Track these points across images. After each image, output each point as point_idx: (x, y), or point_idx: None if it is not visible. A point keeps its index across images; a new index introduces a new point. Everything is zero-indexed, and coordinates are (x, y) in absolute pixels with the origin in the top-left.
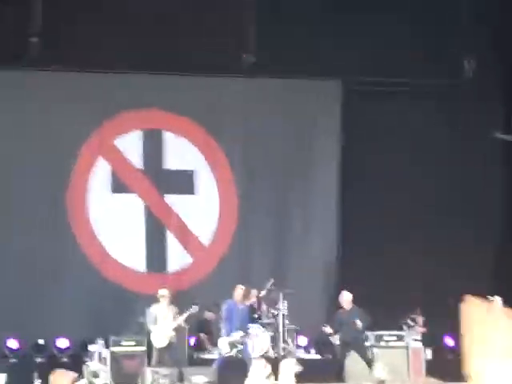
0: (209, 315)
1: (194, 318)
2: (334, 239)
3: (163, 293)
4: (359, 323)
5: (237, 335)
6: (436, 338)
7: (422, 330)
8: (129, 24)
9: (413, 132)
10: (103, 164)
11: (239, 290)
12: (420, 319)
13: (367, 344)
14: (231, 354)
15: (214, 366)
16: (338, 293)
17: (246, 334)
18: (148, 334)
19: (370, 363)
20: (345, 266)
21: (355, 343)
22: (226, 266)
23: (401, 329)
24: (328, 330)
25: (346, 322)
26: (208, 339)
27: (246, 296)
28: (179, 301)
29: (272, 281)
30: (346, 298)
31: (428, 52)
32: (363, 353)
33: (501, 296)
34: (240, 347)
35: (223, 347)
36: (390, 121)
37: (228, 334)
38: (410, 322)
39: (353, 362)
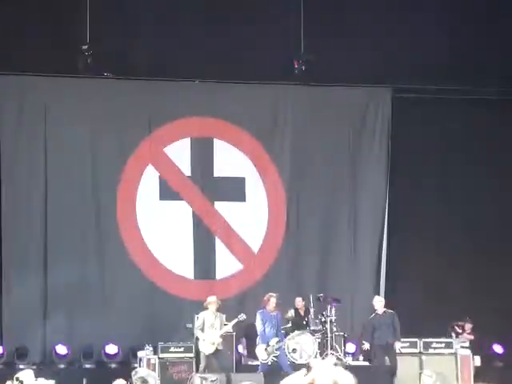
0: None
1: (242, 325)
2: (381, 242)
3: (211, 300)
4: (399, 346)
5: (272, 342)
6: (484, 346)
7: (470, 337)
8: (181, 34)
9: (464, 138)
10: (152, 171)
11: (268, 297)
12: (468, 326)
13: (415, 351)
14: (267, 361)
15: (259, 372)
16: (386, 297)
17: (281, 340)
18: (196, 340)
19: (394, 370)
20: (392, 269)
21: (387, 348)
22: (275, 273)
23: (449, 336)
24: (366, 346)
25: (379, 326)
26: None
27: (273, 302)
28: (227, 308)
29: (321, 295)
30: (378, 302)
31: (477, 60)
32: (393, 359)
33: None
34: (277, 353)
35: (261, 355)
36: (438, 127)
37: (264, 342)
38: (457, 329)
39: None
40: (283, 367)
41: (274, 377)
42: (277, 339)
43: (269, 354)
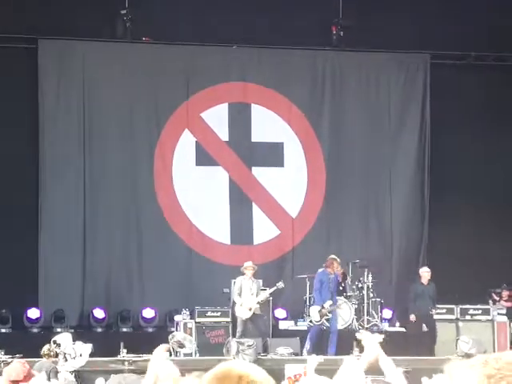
0: None
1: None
2: (418, 209)
3: (248, 265)
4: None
5: (327, 304)
6: None
7: (507, 304)
8: (219, 0)
9: (499, 105)
10: (189, 136)
11: (331, 260)
12: (505, 293)
13: (452, 317)
14: (320, 323)
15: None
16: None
17: (334, 304)
18: (233, 305)
19: (434, 338)
20: (429, 238)
21: (427, 316)
22: (313, 238)
23: (486, 303)
24: (412, 318)
25: (421, 295)
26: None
27: (336, 266)
28: (266, 273)
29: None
30: (425, 273)
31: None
32: (432, 327)
33: None
34: (329, 316)
35: (314, 316)
36: (475, 93)
37: (319, 304)
38: (494, 296)
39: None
40: (332, 332)
41: (321, 340)
42: (331, 302)
43: (321, 316)
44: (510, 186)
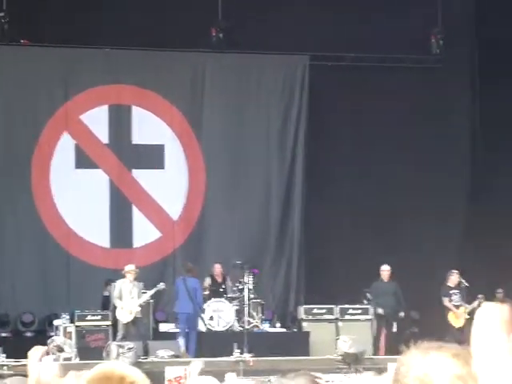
0: None
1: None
2: (294, 211)
3: (129, 268)
4: (402, 315)
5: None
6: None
7: None
8: (98, 2)
9: (380, 106)
10: (68, 139)
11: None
12: None
13: (332, 317)
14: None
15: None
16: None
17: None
18: (113, 309)
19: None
20: (313, 241)
21: (388, 315)
22: (194, 241)
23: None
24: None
25: (382, 293)
26: None
27: (191, 270)
28: (147, 276)
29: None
30: (384, 271)
31: (395, 27)
32: (391, 325)
33: None
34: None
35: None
36: (355, 95)
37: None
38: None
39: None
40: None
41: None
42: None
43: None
44: (383, 190)
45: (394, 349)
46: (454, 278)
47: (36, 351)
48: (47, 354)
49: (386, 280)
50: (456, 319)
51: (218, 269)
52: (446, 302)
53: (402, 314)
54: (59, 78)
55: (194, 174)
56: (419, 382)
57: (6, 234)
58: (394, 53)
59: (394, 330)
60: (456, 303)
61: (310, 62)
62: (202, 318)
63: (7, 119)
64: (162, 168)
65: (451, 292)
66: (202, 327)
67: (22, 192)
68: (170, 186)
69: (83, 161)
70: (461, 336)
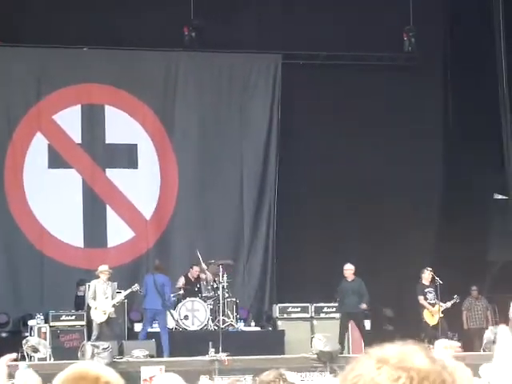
0: None
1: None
2: (267, 208)
3: (103, 269)
4: (365, 307)
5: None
6: (377, 310)
7: None
8: (69, 1)
9: (352, 104)
10: (41, 139)
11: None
12: None
13: (307, 316)
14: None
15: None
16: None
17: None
18: (88, 309)
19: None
20: (286, 239)
21: (355, 314)
22: (167, 240)
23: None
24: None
25: (347, 293)
26: None
27: (159, 268)
28: (121, 276)
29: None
30: (347, 270)
31: (369, 26)
32: (361, 323)
33: None
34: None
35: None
36: (328, 93)
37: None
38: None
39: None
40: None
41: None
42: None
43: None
44: (356, 189)
45: (369, 347)
46: (427, 276)
47: (4, 360)
48: (15, 360)
49: (350, 279)
50: (431, 317)
51: (195, 272)
52: (421, 300)
53: (363, 305)
54: (32, 77)
55: (167, 174)
56: None
57: None
58: (368, 51)
59: (368, 328)
60: (431, 301)
61: (282, 61)
62: (172, 314)
63: None
64: (135, 167)
65: (426, 290)
66: (171, 323)
67: None
68: (143, 186)
69: (56, 160)
70: (435, 333)
